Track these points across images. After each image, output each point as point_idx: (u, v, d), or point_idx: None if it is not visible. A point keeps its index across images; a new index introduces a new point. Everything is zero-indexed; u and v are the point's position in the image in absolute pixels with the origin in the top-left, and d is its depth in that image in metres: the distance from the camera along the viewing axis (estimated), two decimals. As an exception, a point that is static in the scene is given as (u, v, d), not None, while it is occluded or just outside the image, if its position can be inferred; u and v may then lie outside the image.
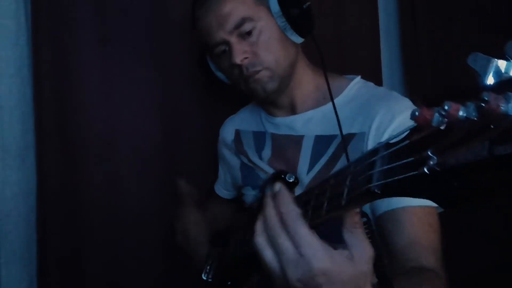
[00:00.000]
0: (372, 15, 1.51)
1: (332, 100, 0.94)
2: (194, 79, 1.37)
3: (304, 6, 0.96)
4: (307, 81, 1.04)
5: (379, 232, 0.90)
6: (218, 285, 1.11)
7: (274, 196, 0.55)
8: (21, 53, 1.28)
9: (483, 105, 0.29)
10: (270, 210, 0.54)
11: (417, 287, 0.74)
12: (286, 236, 0.51)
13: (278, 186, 0.56)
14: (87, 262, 1.34)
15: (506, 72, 0.35)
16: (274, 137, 1.08)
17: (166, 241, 1.36)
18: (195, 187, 1.34)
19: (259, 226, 0.55)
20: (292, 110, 1.05)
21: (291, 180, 0.93)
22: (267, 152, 1.08)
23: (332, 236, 0.52)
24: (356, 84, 1.02)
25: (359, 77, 1.04)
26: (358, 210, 0.53)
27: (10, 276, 1.30)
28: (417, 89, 1.45)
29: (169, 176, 1.38)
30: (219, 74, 1.11)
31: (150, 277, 1.39)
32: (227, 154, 1.23)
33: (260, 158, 1.10)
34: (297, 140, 1.02)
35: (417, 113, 0.37)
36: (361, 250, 0.52)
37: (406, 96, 0.98)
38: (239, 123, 1.21)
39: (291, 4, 0.96)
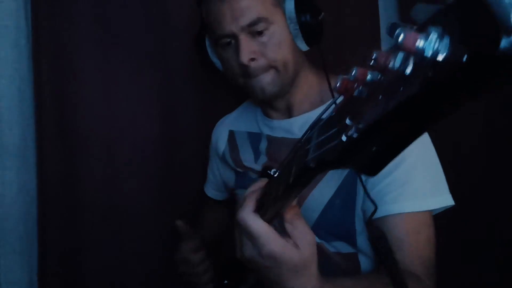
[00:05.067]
0: (372, 15, 1.50)
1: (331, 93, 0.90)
2: (193, 79, 1.38)
3: (319, 17, 0.95)
4: (307, 86, 1.01)
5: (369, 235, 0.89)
6: (215, 284, 1.12)
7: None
8: (21, 53, 1.29)
9: (372, 63, 0.30)
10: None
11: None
12: (241, 228, 0.61)
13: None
14: (87, 262, 1.35)
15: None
16: (270, 139, 1.06)
17: (165, 240, 1.37)
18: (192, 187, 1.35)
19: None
20: (289, 112, 1.02)
21: (276, 175, 0.94)
22: (263, 159, 1.07)
23: None
24: None
25: None
26: (295, 202, 0.61)
27: (10, 275, 1.31)
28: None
29: (169, 175, 1.40)
30: (215, 61, 1.05)
31: (150, 275, 1.39)
32: (220, 165, 1.21)
33: (256, 163, 1.08)
34: (293, 143, 0.99)
35: (338, 84, 0.37)
36: (304, 237, 0.60)
37: None
38: (232, 123, 1.19)
39: (306, 12, 0.93)
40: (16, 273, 1.32)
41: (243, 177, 1.11)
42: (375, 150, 0.35)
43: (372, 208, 0.84)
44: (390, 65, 0.28)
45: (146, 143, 1.38)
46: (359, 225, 0.90)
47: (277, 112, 1.04)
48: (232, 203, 1.20)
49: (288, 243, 0.59)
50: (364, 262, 0.93)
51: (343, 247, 0.93)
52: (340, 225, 0.92)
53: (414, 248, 0.81)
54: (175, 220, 1.16)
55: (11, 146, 1.29)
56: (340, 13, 1.47)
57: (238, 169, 1.12)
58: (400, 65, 0.28)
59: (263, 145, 1.07)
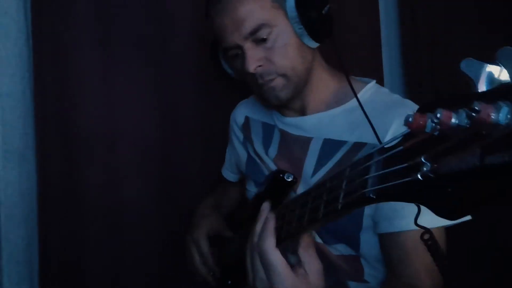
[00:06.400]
0: (372, 15, 1.50)
1: (360, 106, 0.88)
2: (193, 80, 1.38)
3: (323, 12, 0.91)
4: (321, 84, 1.00)
5: (380, 244, 0.90)
6: (218, 284, 1.11)
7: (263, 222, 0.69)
8: (21, 53, 1.27)
9: (474, 115, 0.30)
10: (253, 237, 0.69)
11: None
12: (258, 258, 0.66)
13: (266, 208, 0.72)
14: (88, 262, 1.35)
15: (498, 77, 0.35)
16: (283, 133, 1.05)
17: (166, 241, 1.37)
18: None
19: (248, 244, 0.70)
20: (303, 111, 1.02)
21: (289, 180, 0.93)
22: (273, 150, 1.07)
23: None
24: (370, 90, 0.97)
25: (374, 81, 0.99)
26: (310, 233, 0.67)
27: (12, 276, 1.30)
28: (417, 89, 1.46)
29: (169, 175, 1.40)
30: (231, 72, 1.06)
31: (150, 276, 1.39)
32: (236, 142, 1.21)
33: (267, 154, 1.08)
34: (305, 141, 0.99)
35: (410, 119, 0.37)
36: (313, 266, 0.65)
37: (406, 94, 0.97)
38: (250, 109, 1.18)
39: (309, 9, 0.90)
40: (17, 274, 1.31)
41: (255, 169, 1.11)
42: (450, 193, 0.35)
43: (381, 226, 0.86)
44: (493, 118, 0.28)
45: (146, 143, 1.38)
46: (365, 233, 0.90)
47: (291, 110, 1.04)
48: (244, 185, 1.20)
49: (299, 277, 0.63)
50: (367, 266, 0.94)
51: (345, 250, 0.93)
52: (344, 230, 0.92)
53: (425, 263, 0.81)
54: (175, 220, 1.17)
55: (12, 146, 1.29)
56: (340, 13, 1.47)
57: (250, 152, 1.13)
58: (506, 119, 0.28)
59: (276, 138, 1.07)
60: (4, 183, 1.29)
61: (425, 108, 0.38)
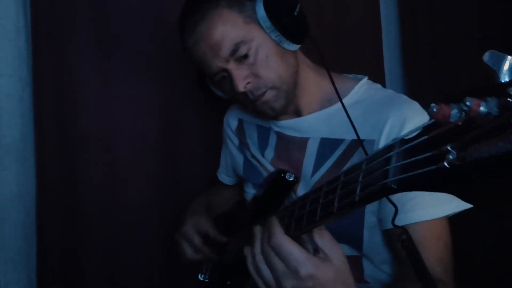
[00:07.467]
0: (373, 14, 1.51)
1: (342, 104, 0.89)
2: (192, 78, 1.37)
3: (295, 13, 0.91)
4: (310, 84, 1.00)
5: (387, 241, 0.90)
6: (217, 285, 1.11)
7: (265, 224, 0.67)
8: (20, 53, 1.27)
9: (510, 100, 0.30)
10: (261, 238, 0.67)
11: None
12: (274, 254, 0.63)
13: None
14: (86, 262, 1.34)
15: None
16: (279, 135, 1.05)
17: (165, 240, 1.36)
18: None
19: (256, 249, 0.67)
20: (297, 113, 1.02)
21: (291, 179, 0.93)
22: (270, 152, 1.06)
23: None
24: (363, 86, 0.98)
25: (366, 78, 1.00)
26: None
27: (10, 275, 1.29)
28: (417, 89, 1.46)
29: (168, 175, 1.40)
30: (222, 95, 1.08)
31: (149, 276, 1.39)
32: (231, 146, 1.21)
33: (263, 156, 1.08)
34: (302, 142, 1.00)
35: (435, 109, 0.37)
36: (333, 249, 0.63)
37: (406, 94, 0.97)
38: (243, 111, 1.18)
39: (281, 14, 0.90)
40: (15, 273, 1.30)
41: (253, 171, 1.11)
42: (476, 180, 0.35)
43: (388, 221, 0.84)
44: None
45: (145, 143, 1.38)
46: (367, 232, 0.91)
47: (285, 114, 1.04)
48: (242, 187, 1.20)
49: (320, 259, 0.62)
50: (368, 267, 0.94)
51: (347, 250, 0.92)
52: (346, 231, 0.92)
53: (435, 253, 0.83)
54: (174, 220, 1.17)
55: (10, 146, 1.28)
56: (341, 13, 1.48)
57: (247, 155, 1.13)
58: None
59: (272, 140, 1.07)
60: (2, 183, 1.28)
61: (449, 98, 0.38)
